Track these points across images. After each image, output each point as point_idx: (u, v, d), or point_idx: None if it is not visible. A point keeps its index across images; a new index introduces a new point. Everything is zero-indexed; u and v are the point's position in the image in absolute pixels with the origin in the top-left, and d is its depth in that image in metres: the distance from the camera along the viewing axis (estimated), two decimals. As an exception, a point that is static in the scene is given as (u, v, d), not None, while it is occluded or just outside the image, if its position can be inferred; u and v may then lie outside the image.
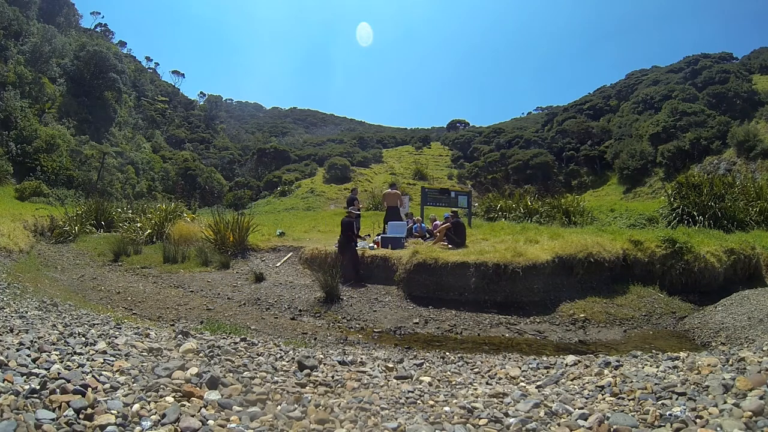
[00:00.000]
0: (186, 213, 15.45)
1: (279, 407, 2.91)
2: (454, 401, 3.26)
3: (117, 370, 3.12)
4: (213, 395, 2.90)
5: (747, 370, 3.17)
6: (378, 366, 4.32)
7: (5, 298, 5.92)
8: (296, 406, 2.97)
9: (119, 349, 3.68)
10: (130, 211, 16.11)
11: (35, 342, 3.55)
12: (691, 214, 13.29)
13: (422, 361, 4.85)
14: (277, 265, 10.36)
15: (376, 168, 51.10)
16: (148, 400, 2.71)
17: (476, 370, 4.48)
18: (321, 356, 4.49)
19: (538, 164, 45.43)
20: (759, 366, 3.20)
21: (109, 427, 2.36)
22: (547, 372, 4.18)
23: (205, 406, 2.77)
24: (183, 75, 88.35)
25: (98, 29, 68.41)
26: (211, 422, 2.55)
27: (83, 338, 3.94)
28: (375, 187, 37.30)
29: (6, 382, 2.63)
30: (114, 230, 14.37)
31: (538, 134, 56.22)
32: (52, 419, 2.35)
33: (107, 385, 2.82)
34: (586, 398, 3.17)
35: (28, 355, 3.15)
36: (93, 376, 2.91)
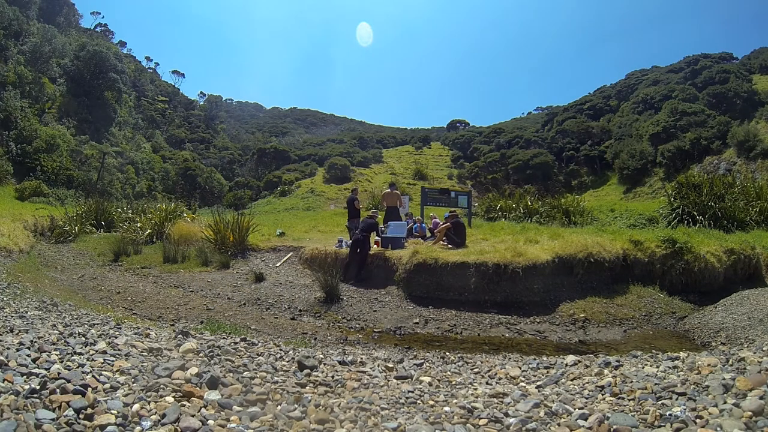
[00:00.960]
0: (186, 213, 15.45)
1: (279, 407, 2.91)
2: (454, 401, 3.26)
3: (117, 370, 3.12)
4: (213, 395, 2.90)
5: (747, 370, 3.17)
6: (378, 366, 4.31)
7: (5, 298, 5.92)
8: (296, 406, 2.97)
9: (119, 349, 3.68)
10: (130, 211, 16.11)
11: (35, 342, 3.55)
12: (691, 214, 13.29)
13: (422, 361, 4.84)
14: (277, 265, 10.36)
15: (376, 168, 51.12)
16: (148, 400, 2.71)
17: (476, 370, 4.48)
18: (321, 356, 4.49)
19: (538, 164, 45.44)
20: (759, 366, 3.19)
21: (109, 427, 2.36)
22: (547, 372, 4.18)
23: (205, 406, 2.76)
24: (183, 75, 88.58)
25: (98, 29, 68.51)
26: (211, 422, 2.55)
27: (83, 338, 3.94)
28: (375, 187, 37.34)
29: (6, 382, 2.63)
30: (114, 230, 14.37)
31: (538, 134, 56.27)
32: (52, 419, 2.35)
33: (107, 385, 2.82)
34: (586, 398, 3.17)
35: (28, 355, 3.14)
36: (93, 376, 2.91)
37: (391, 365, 4.39)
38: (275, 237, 12.73)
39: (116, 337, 4.14)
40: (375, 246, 10.04)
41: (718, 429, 2.40)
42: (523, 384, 3.80)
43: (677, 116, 40.31)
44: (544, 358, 4.90)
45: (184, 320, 6.84)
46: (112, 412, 2.49)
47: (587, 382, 3.55)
